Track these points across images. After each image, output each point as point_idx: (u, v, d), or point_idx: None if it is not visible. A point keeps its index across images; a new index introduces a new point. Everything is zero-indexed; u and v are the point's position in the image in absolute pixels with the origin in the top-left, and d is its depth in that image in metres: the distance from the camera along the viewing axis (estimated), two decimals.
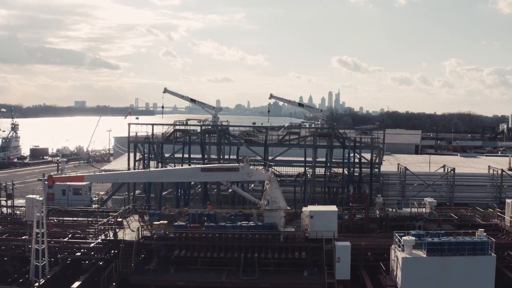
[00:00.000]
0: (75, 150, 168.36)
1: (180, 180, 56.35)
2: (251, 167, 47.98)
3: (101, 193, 76.09)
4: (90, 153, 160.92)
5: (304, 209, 49.83)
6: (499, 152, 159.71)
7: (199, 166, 50.64)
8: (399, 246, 42.03)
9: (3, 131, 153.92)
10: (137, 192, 68.02)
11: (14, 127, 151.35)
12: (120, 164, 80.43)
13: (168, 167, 64.61)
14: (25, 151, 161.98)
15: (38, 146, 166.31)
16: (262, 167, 50.32)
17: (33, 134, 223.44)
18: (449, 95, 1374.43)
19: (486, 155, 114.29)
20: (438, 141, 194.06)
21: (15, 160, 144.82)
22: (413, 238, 41.64)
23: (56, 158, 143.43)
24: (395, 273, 42.62)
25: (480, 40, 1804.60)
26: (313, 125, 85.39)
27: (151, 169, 63.24)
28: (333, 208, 48.01)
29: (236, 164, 48.95)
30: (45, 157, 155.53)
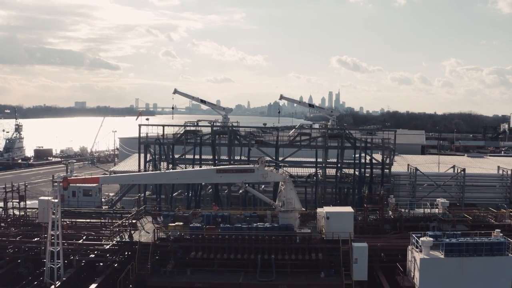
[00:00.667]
0: (79, 151, 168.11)
1: (195, 181, 56.31)
2: (265, 168, 48.00)
3: (111, 194, 75.86)
4: (94, 154, 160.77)
5: (319, 210, 49.82)
6: (502, 152, 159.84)
7: (215, 167, 50.62)
8: (417, 247, 42.05)
9: (6, 132, 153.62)
10: (147, 193, 67.92)
11: (18, 128, 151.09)
12: (128, 165, 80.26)
13: (178, 168, 64.56)
14: (29, 152, 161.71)
15: (42, 147, 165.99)
16: (273, 167, 50.31)
17: (35, 135, 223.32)
18: (449, 94, 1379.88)
19: (490, 155, 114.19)
20: (441, 141, 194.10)
21: (20, 161, 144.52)
22: (431, 239, 41.67)
23: (64, 160, 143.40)
24: (412, 274, 42.61)
25: (479, 40, 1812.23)
26: (320, 126, 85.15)
27: (162, 170, 63.21)
28: (349, 209, 48.02)
29: (252, 165, 48.86)
30: (49, 158, 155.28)
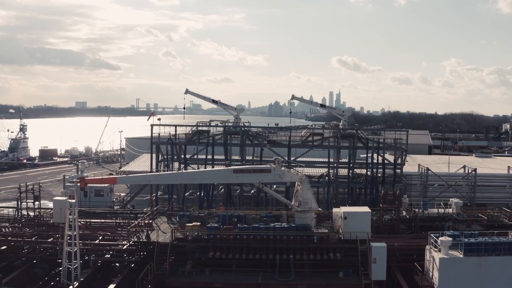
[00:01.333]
0: (84, 151, 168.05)
1: (212, 181, 56.39)
2: (282, 168, 48.05)
3: (122, 194, 75.81)
4: (99, 154, 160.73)
5: (335, 210, 49.90)
6: (506, 152, 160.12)
7: (232, 167, 50.63)
8: (435, 247, 42.15)
9: (11, 132, 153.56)
10: (158, 193, 67.93)
11: (23, 128, 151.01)
12: (138, 166, 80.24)
13: (189, 169, 64.61)
14: (33, 152, 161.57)
15: (46, 147, 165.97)
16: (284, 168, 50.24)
17: (38, 135, 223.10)
18: (449, 94, 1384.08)
19: (494, 155, 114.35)
20: (444, 141, 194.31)
21: (25, 161, 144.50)
22: (450, 238, 41.83)
23: (71, 160, 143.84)
24: (431, 273, 42.72)
25: (480, 40, 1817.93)
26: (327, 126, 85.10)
27: (175, 170, 63.28)
28: (366, 209, 48.05)
29: (268, 165, 48.89)
30: (54, 158, 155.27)
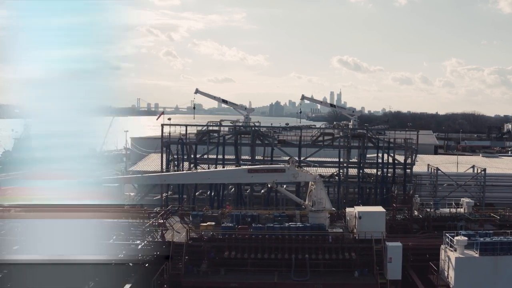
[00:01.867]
0: (88, 151, 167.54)
1: (226, 181, 56.52)
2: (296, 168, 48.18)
3: (131, 194, 75.75)
4: (104, 154, 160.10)
5: (349, 209, 50.05)
6: (509, 152, 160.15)
7: (246, 167, 50.78)
8: (451, 246, 42.25)
9: (15, 132, 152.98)
10: (168, 193, 67.95)
11: (27, 127, 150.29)
12: (146, 165, 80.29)
13: (199, 169, 64.67)
14: None
15: None
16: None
17: None
18: (450, 95, 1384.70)
19: (499, 155, 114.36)
20: (447, 141, 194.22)
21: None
22: (466, 238, 41.94)
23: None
24: (446, 273, 42.82)
25: (480, 40, 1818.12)
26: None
27: (185, 170, 63.39)
28: (380, 208, 48.21)
29: (282, 165, 49.01)
30: None
